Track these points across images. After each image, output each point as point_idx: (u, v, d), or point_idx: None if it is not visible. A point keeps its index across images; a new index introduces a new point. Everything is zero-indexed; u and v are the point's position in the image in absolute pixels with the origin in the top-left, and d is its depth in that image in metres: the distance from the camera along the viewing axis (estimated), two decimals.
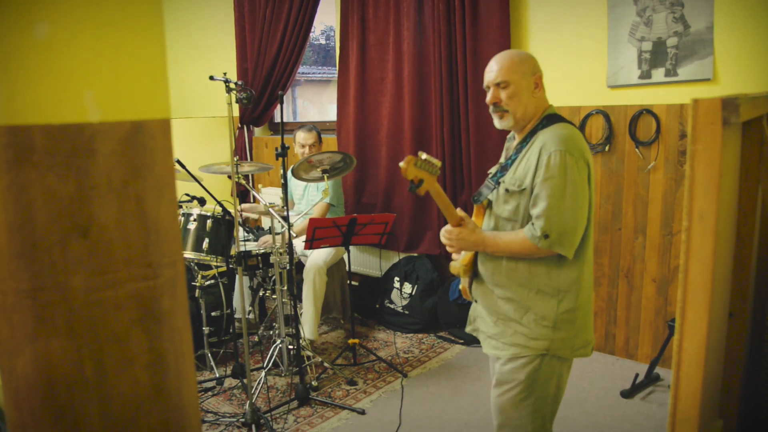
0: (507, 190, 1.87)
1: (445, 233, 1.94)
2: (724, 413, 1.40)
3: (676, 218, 3.35)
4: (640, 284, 3.52)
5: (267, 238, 3.83)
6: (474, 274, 2.01)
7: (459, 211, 1.92)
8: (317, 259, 3.84)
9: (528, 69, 1.88)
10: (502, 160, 2.02)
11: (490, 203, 1.95)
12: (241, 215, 3.93)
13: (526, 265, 1.86)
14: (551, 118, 1.89)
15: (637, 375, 3.23)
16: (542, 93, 1.92)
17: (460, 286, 2.09)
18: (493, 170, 2.03)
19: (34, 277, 0.65)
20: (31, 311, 0.66)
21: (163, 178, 0.72)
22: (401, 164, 1.75)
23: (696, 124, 0.92)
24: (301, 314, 3.88)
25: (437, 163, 1.80)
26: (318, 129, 4.11)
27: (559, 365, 1.90)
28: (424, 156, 1.77)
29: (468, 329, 2.12)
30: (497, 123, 1.93)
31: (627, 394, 3.18)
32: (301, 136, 4.02)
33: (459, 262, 2.00)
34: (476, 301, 2.03)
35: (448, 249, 2.04)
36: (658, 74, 3.28)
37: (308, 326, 3.81)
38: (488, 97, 1.92)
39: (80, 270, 0.66)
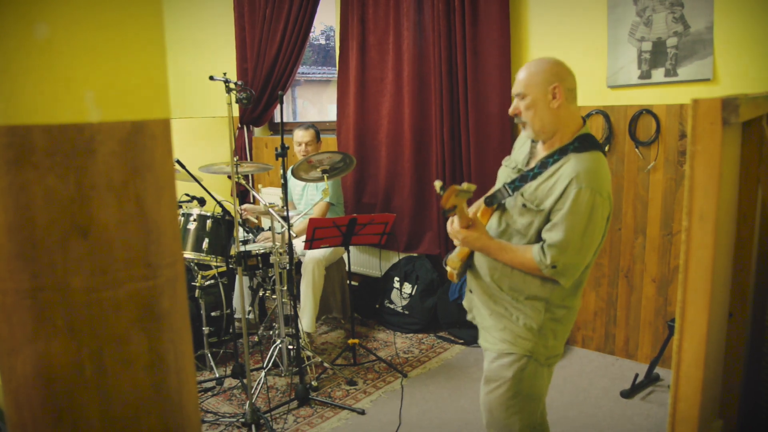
0: (524, 206, 1.83)
1: (452, 230, 1.94)
2: (724, 413, 1.40)
3: (676, 218, 3.35)
4: (640, 284, 3.52)
5: (266, 234, 3.84)
6: (467, 264, 2.02)
7: (471, 214, 1.92)
8: (316, 252, 3.84)
9: (543, 79, 1.79)
10: (519, 159, 1.97)
11: (501, 205, 1.94)
12: (241, 215, 3.93)
13: (521, 274, 1.88)
14: (585, 140, 1.81)
15: (637, 375, 3.23)
16: (566, 105, 1.81)
17: (447, 268, 2.07)
18: (507, 164, 2.00)
19: (33, 277, 0.65)
20: (31, 311, 0.66)
21: (163, 178, 0.72)
22: (442, 193, 1.72)
23: (696, 124, 0.92)
24: (299, 309, 3.88)
25: (473, 188, 1.77)
26: (317, 128, 4.11)
27: (541, 369, 1.94)
28: (465, 186, 1.75)
29: (469, 317, 2.13)
30: (524, 133, 1.90)
31: (627, 394, 3.18)
32: (299, 134, 4.04)
33: (455, 254, 2.01)
34: (470, 291, 2.06)
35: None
36: (658, 74, 3.28)
37: (306, 319, 3.81)
38: (510, 108, 1.88)
39: (80, 270, 0.66)
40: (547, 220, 1.79)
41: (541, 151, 1.89)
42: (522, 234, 1.86)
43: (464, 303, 2.15)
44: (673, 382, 0.98)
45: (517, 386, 1.91)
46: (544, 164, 1.83)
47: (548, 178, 1.80)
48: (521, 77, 1.84)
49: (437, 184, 1.76)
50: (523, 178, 1.86)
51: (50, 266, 0.65)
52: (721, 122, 0.90)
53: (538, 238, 1.83)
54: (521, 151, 2.01)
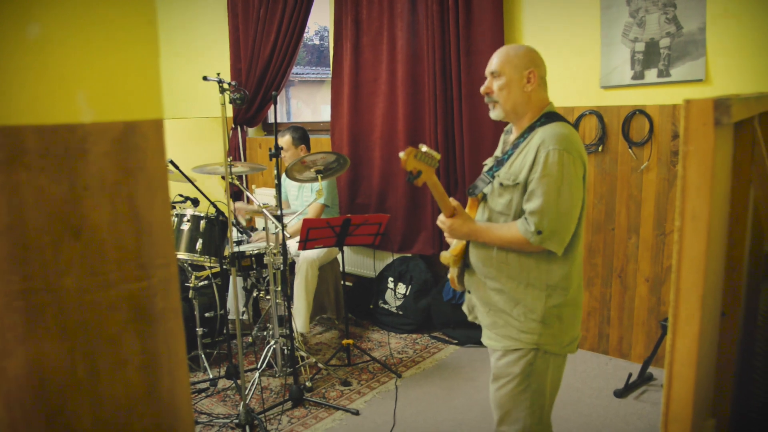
0: (501, 184, 1.88)
1: (439, 223, 1.99)
2: (716, 412, 1.40)
3: (669, 218, 3.37)
4: (634, 284, 3.54)
5: (261, 234, 3.83)
6: (465, 264, 2.03)
7: (452, 201, 1.94)
8: (310, 252, 3.84)
9: (522, 63, 1.88)
10: (498, 153, 2.03)
11: (484, 196, 1.97)
12: (234, 213, 3.92)
13: (516, 258, 1.88)
14: (550, 116, 1.90)
15: (630, 374, 3.24)
16: (538, 90, 1.91)
17: (449, 275, 2.10)
18: (488, 162, 2.04)
19: (25, 279, 0.65)
20: (23, 313, 0.66)
21: (156, 178, 0.72)
22: (401, 155, 1.77)
23: (688, 124, 0.93)
24: (293, 309, 3.87)
25: (437, 155, 1.82)
26: (299, 131, 4.09)
27: (554, 359, 1.93)
28: (424, 148, 1.79)
29: (470, 318, 2.14)
30: (490, 113, 1.96)
31: (620, 393, 3.19)
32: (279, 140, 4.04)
33: (449, 252, 2.03)
34: (469, 292, 2.06)
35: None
36: (651, 75, 3.30)
37: (300, 319, 3.81)
38: (482, 87, 1.94)
39: (72, 271, 0.66)
40: (525, 193, 1.84)
41: (514, 136, 1.96)
42: (505, 214, 1.89)
43: (464, 307, 2.14)
44: (666, 382, 0.99)
45: (526, 381, 1.91)
46: (515, 145, 1.91)
47: (519, 154, 1.87)
48: (498, 57, 1.91)
49: (401, 153, 1.79)
50: (499, 163, 1.93)
51: (42, 267, 0.65)
52: (713, 123, 0.91)
53: (522, 215, 1.85)
54: (500, 148, 2.07)
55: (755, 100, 1.19)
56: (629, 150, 3.43)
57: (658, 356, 3.28)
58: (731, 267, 1.33)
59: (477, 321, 2.10)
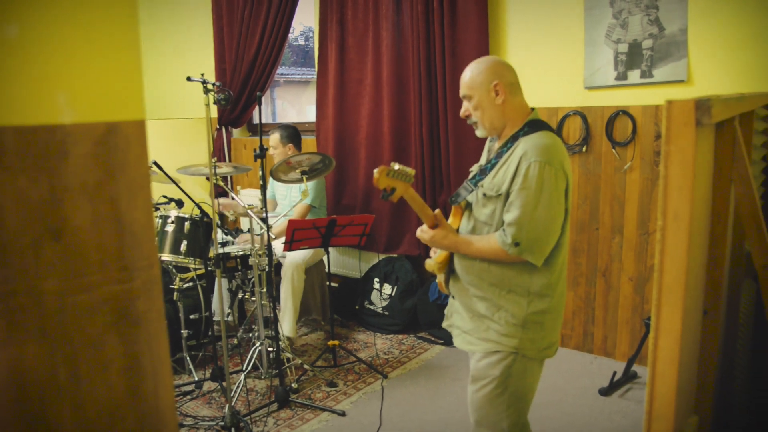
0: (485, 195, 1.89)
1: (420, 233, 1.99)
2: (699, 409, 1.42)
3: (652, 218, 3.40)
4: (618, 283, 3.57)
5: (246, 236, 3.81)
6: (450, 270, 2.03)
7: (436, 212, 1.94)
8: (296, 257, 3.83)
9: (485, 79, 1.88)
10: (483, 161, 2.03)
11: (468, 204, 1.97)
12: (219, 208, 3.89)
13: (498, 267, 1.89)
14: (533, 124, 1.89)
15: (614, 373, 3.27)
16: (510, 98, 1.90)
17: (437, 280, 2.12)
18: (474, 169, 2.04)
19: (4, 282, 0.64)
20: (2, 316, 0.65)
21: (138, 180, 0.71)
22: (374, 173, 1.77)
23: (670, 125, 0.94)
24: (279, 312, 3.86)
25: (411, 171, 1.82)
26: (287, 129, 4.10)
27: (531, 364, 1.94)
28: (397, 166, 1.80)
29: (444, 324, 2.15)
30: (476, 133, 1.98)
31: (605, 391, 3.21)
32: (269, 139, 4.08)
33: (434, 260, 2.04)
34: (453, 297, 2.07)
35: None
36: (634, 76, 3.33)
37: (287, 324, 3.80)
38: (461, 111, 1.98)
39: (53, 274, 0.65)
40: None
41: (497, 144, 1.97)
42: (488, 224, 1.90)
43: (446, 310, 2.16)
44: (649, 380, 1.00)
45: (504, 384, 1.92)
46: (499, 155, 1.91)
47: (503, 164, 1.87)
48: (464, 80, 1.95)
49: (375, 171, 1.80)
50: (483, 172, 1.94)
51: (22, 270, 0.64)
52: (694, 123, 0.92)
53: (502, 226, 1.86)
54: (485, 155, 2.08)
55: (736, 101, 1.21)
56: (613, 150, 3.46)
57: (642, 354, 3.31)
58: (713, 265, 1.34)
59: (450, 329, 2.11)
